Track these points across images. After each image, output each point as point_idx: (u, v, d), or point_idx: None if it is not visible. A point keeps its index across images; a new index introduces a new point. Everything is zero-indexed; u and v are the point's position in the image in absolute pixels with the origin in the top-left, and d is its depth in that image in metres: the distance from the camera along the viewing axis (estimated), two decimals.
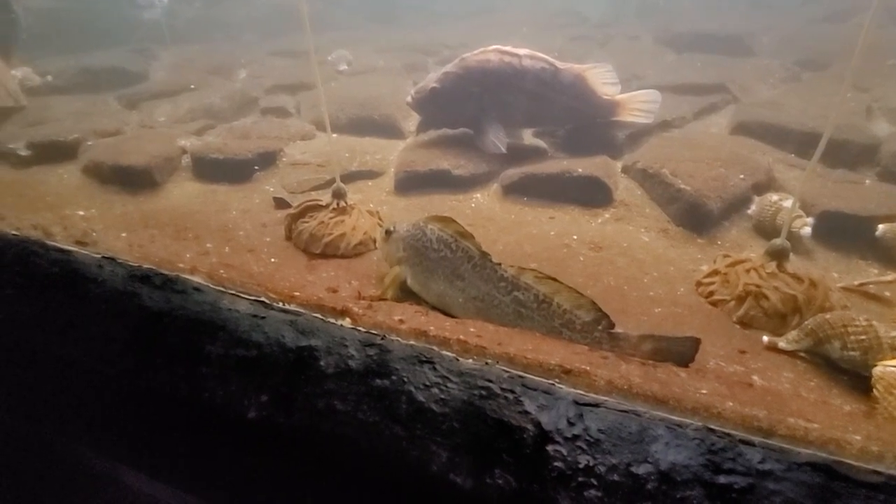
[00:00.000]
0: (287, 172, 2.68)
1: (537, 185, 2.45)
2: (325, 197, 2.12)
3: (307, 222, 2.03)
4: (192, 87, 3.95)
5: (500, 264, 1.45)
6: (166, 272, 1.27)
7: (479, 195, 2.55)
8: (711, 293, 1.68)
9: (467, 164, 2.60)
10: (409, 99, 2.78)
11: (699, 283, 1.74)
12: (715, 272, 1.73)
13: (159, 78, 4.48)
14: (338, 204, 2.06)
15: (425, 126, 2.91)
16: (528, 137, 3.05)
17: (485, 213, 2.36)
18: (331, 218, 2.02)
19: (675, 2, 7.12)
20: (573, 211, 2.35)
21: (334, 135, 3.23)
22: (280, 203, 2.37)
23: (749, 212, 2.16)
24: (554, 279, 1.39)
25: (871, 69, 3.78)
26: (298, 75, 4.25)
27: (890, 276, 1.69)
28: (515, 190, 2.48)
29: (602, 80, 2.76)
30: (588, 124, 2.85)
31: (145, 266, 1.30)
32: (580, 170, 2.38)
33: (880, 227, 1.90)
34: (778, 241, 1.61)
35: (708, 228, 2.10)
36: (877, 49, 4.21)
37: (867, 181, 2.28)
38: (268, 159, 2.76)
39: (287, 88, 4.03)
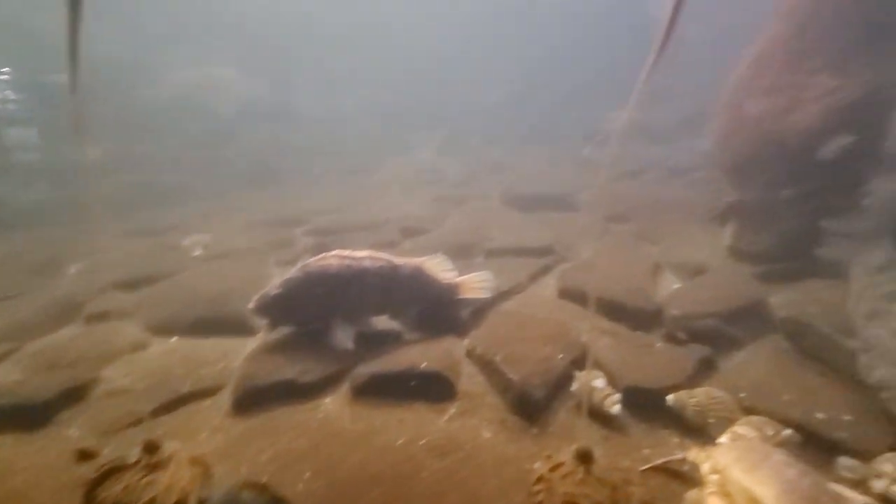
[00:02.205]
0: (101, 407, 2.38)
1: (385, 385, 2.47)
2: (141, 444, 1.89)
3: (111, 489, 1.76)
4: (9, 294, 3.54)
5: None
6: None
7: (328, 400, 2.48)
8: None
9: (316, 366, 2.58)
10: (251, 305, 2.78)
11: (530, 493, 1.79)
12: (540, 479, 1.80)
13: None
14: (150, 459, 1.84)
15: (274, 325, 2.89)
16: (383, 321, 3.16)
17: (333, 426, 2.28)
18: (140, 479, 1.78)
19: (518, 164, 8.56)
20: (421, 409, 2.38)
21: (174, 338, 3.03)
22: (84, 455, 2.06)
23: (573, 389, 2.38)
24: None
25: (663, 222, 4.75)
26: (146, 265, 4.08)
27: (678, 455, 1.91)
28: (365, 391, 2.48)
29: (439, 268, 3.07)
30: (435, 305, 3.08)
31: None
32: (424, 364, 2.49)
33: (669, 397, 2.19)
34: (582, 445, 1.75)
35: (538, 416, 2.25)
36: (662, 202, 5.39)
37: (658, 344, 2.68)
38: (78, 392, 2.45)
39: (126, 285, 3.79)
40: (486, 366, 2.55)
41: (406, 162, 9.76)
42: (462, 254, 4.52)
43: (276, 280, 2.93)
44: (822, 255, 3.32)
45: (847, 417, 2.04)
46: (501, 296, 3.41)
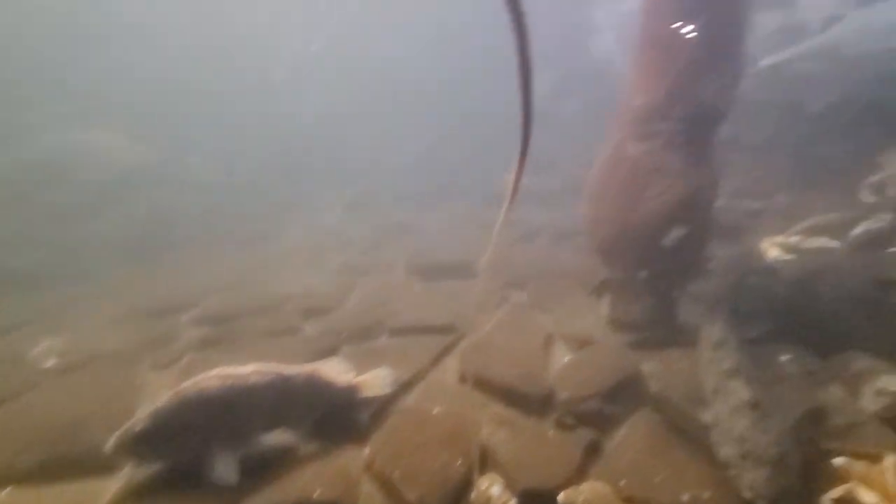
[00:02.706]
0: None
1: None
2: None
3: None
4: None
5: None
6: None
7: None
8: None
9: None
10: (110, 445, 2.42)
11: None
12: None
13: None
14: None
15: (141, 462, 2.54)
16: (277, 434, 2.94)
17: None
18: None
19: (424, 225, 8.77)
20: None
21: (5, 490, 2.52)
22: None
23: (472, 498, 2.39)
24: None
25: (554, 290, 5.10)
26: None
27: None
28: None
29: (335, 371, 2.98)
30: (334, 410, 2.95)
31: None
32: (318, 493, 2.34)
33: (559, 497, 2.28)
34: None
35: None
36: (553, 269, 5.82)
37: (550, 432, 2.81)
38: None
39: None
40: (385, 484, 2.47)
41: (311, 225, 9.53)
42: (366, 335, 4.45)
43: (143, 409, 2.60)
44: (681, 320, 3.80)
45: (707, 495, 2.28)
46: (403, 387, 3.38)
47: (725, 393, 2.49)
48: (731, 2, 3.21)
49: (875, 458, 2.27)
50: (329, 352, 3.94)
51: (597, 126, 4.59)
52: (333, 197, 10.97)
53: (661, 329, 3.70)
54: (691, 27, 3.09)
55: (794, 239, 4.12)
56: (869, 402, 2.60)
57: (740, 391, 2.42)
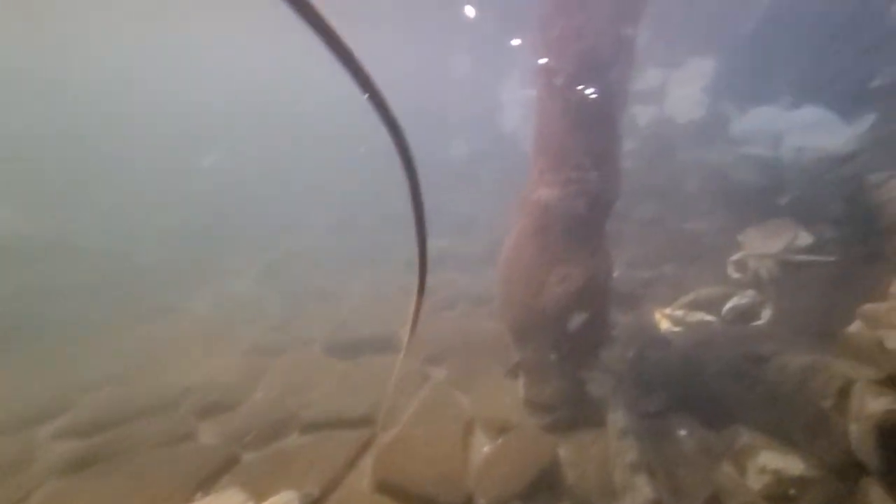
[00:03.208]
0: None
1: None
2: None
3: None
4: None
5: None
6: None
7: None
8: None
9: None
10: None
11: None
12: None
13: None
14: None
15: None
16: None
17: None
18: None
19: (343, 292, 8.50)
20: None
21: None
22: None
23: None
24: None
25: (474, 366, 5.09)
26: None
27: None
28: None
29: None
30: None
31: None
32: None
33: None
34: None
35: None
36: (472, 341, 5.85)
37: None
38: None
39: None
40: None
41: (218, 296, 8.83)
42: (274, 434, 4.08)
43: None
44: (591, 396, 3.94)
45: None
46: (323, 494, 3.09)
47: (632, 489, 2.57)
48: (608, 111, 3.61)
49: None
50: (227, 466, 3.52)
51: (512, 191, 4.82)
52: (245, 262, 10.34)
53: (573, 408, 3.80)
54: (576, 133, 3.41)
55: (678, 312, 4.56)
56: (753, 481, 2.82)
57: (643, 488, 2.51)
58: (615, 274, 4.28)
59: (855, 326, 2.84)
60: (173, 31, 13.12)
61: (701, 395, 3.65)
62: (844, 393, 2.65)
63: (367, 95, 1.15)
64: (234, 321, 7.44)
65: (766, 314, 4.19)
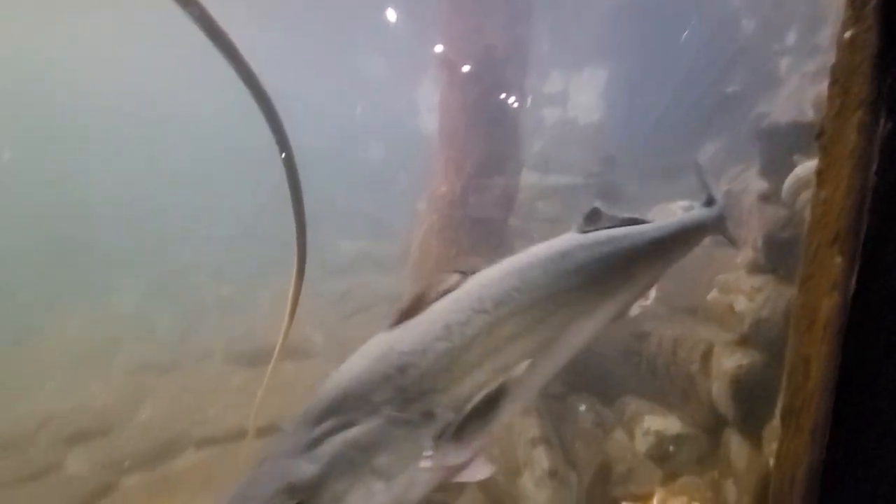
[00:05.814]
0: None
1: None
2: None
3: None
4: None
5: None
6: None
7: None
8: None
9: None
10: None
11: None
12: None
13: None
14: None
15: None
16: None
17: None
18: None
19: (251, 302, 7.93)
20: None
21: None
22: None
23: None
24: None
25: None
26: None
27: None
28: None
29: None
30: None
31: None
32: None
33: None
34: None
35: None
36: None
37: None
38: None
39: None
40: None
41: (95, 315, 7.75)
42: (162, 455, 3.66)
43: None
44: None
45: None
46: None
47: (531, 463, 2.68)
48: (505, 107, 3.80)
49: (647, 498, 2.66)
50: (102, 492, 3.09)
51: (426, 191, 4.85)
52: (130, 278, 9.23)
53: None
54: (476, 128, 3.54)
55: None
56: (640, 444, 3.09)
57: (542, 461, 2.63)
58: None
59: (712, 294, 3.27)
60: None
61: (598, 374, 3.94)
62: (707, 356, 3.02)
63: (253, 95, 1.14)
64: (118, 341, 6.60)
65: (651, 295, 4.65)
